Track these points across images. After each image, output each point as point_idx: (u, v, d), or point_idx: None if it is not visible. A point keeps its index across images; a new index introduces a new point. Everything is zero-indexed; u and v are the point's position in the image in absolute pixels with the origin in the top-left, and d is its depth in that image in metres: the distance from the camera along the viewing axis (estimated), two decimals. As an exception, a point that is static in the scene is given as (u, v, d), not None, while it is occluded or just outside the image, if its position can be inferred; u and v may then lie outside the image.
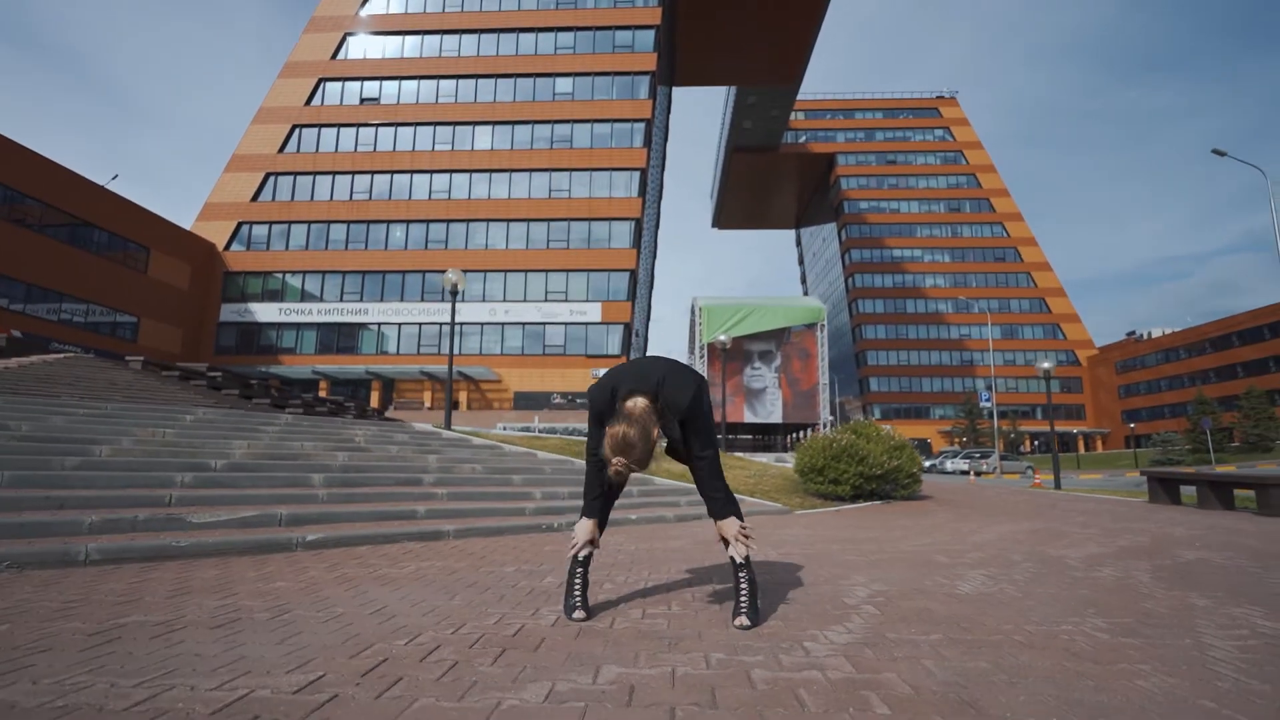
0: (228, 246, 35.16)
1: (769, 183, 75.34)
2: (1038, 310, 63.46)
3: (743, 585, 2.20)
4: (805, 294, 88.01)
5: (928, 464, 38.04)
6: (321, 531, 4.11)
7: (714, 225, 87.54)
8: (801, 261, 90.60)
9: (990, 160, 67.45)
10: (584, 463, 8.94)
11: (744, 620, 2.12)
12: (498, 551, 3.99)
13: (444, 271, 34.49)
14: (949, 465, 35.75)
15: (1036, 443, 59.74)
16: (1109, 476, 27.98)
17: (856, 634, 2.13)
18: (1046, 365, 12.79)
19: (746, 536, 2.26)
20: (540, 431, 26.17)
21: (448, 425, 9.82)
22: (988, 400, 31.65)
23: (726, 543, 2.26)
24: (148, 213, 29.98)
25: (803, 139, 71.58)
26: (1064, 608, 2.56)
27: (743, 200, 79.17)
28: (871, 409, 63.76)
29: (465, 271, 35.62)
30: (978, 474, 32.08)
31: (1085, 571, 3.48)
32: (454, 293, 10.23)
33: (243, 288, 35.18)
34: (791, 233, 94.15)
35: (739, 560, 2.23)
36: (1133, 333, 61.99)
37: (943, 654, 1.91)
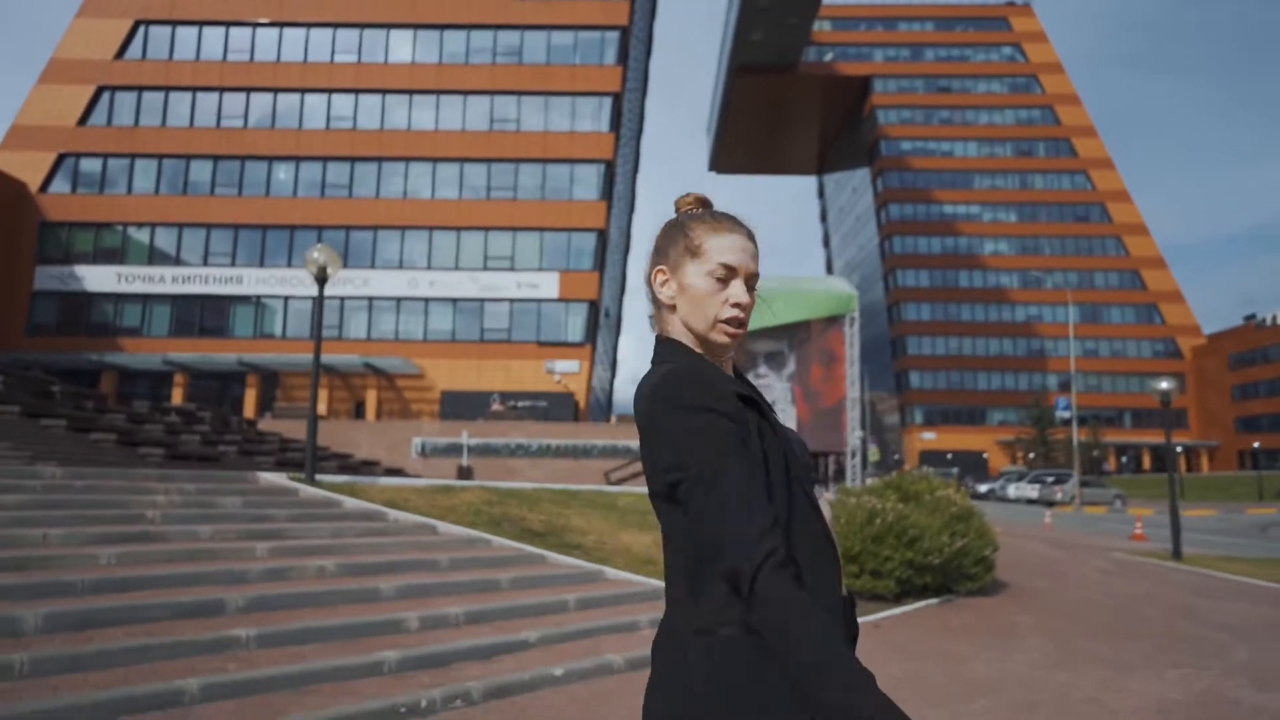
0: (44, 187, 33.17)
1: (784, 114, 74.23)
2: (1129, 286, 63.50)
3: None
4: (828, 261, 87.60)
5: (983, 489, 37.86)
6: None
7: (711, 169, 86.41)
8: (824, 218, 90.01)
9: (1073, 88, 67.04)
10: (500, 540, 7.86)
11: None
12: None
13: (345, 229, 33.12)
14: (1011, 491, 35.51)
15: (1124, 459, 60.01)
16: (1225, 515, 27.75)
17: None
18: (1165, 385, 11.89)
19: None
20: (469, 451, 25.00)
21: (309, 477, 8.64)
22: (1065, 408, 31.17)
23: None
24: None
25: (829, 56, 70.46)
26: None
27: (749, 137, 78.04)
28: (910, 412, 63.56)
29: (376, 229, 34.25)
30: (1050, 504, 31.73)
31: None
32: (321, 280, 9.00)
33: (67, 244, 33.29)
34: (812, 180, 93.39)
35: None
36: (1252, 316, 62.18)
37: None
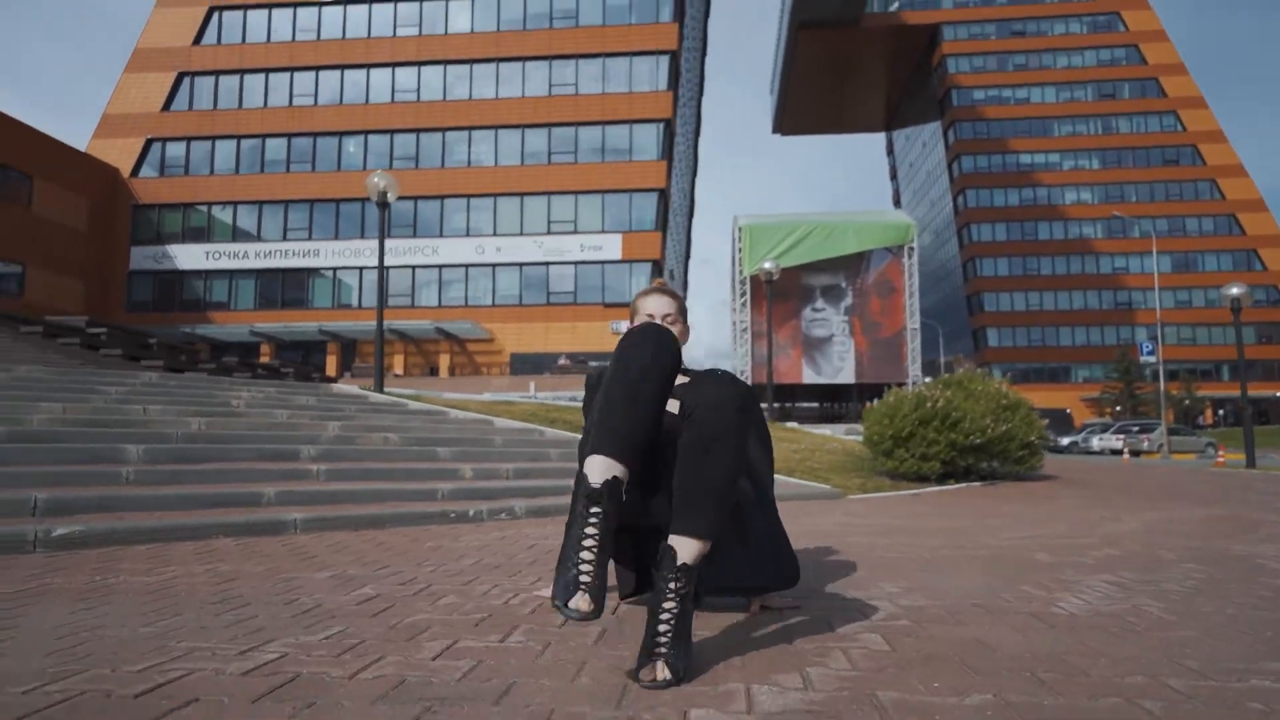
0: (135, 172, 35.27)
1: (849, 70, 72.39)
2: (1225, 232, 59.98)
3: (668, 611, 1.55)
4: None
5: (1065, 441, 36.73)
6: (83, 524, 3.53)
7: (775, 131, 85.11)
8: (894, 175, 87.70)
9: (1159, 23, 63.26)
10: (554, 431, 8.36)
11: (662, 671, 1.48)
12: (346, 551, 3.35)
13: (413, 200, 34.16)
14: (1095, 443, 34.28)
15: (1221, 413, 57.12)
16: (1322, 455, 26.33)
17: (822, 690, 1.40)
18: (1236, 291, 11.56)
19: None
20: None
21: (378, 387, 9.28)
22: (1150, 353, 29.97)
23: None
24: (27, 129, 30.09)
25: (894, 6, 68.23)
26: (1255, 641, 1.77)
27: (813, 95, 76.45)
28: (989, 371, 61.76)
29: (443, 198, 35.20)
30: (1135, 454, 30.64)
31: (1295, 578, 2.66)
32: (382, 205, 9.58)
33: (158, 226, 35.38)
34: (881, 137, 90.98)
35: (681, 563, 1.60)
36: (1361, 259, 58.08)
37: None
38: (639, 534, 2.03)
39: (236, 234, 35.65)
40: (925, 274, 77.96)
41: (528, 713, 1.30)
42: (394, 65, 36.17)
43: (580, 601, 1.44)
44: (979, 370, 9.82)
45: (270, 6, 36.36)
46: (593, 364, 31.97)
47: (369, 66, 36.26)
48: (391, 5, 36.51)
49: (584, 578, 1.46)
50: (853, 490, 6.97)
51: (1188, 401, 48.63)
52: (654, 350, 1.75)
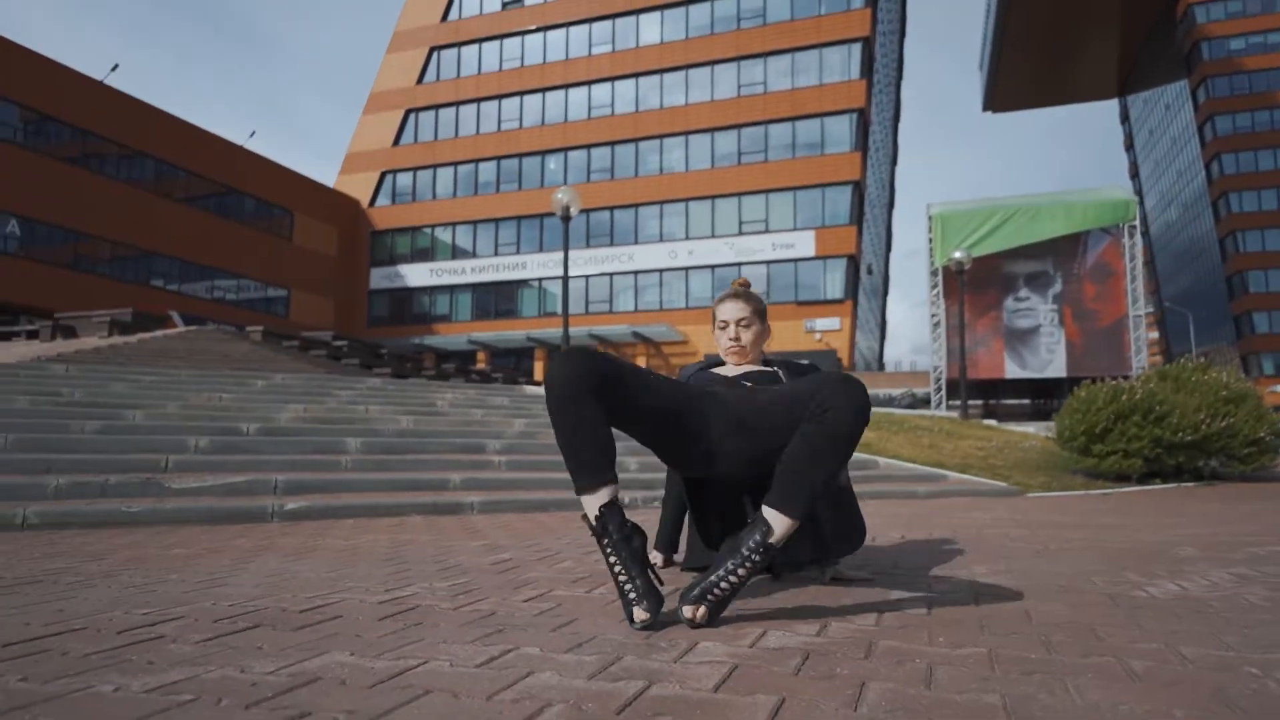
0: (373, 202, 39.87)
1: (1072, 33, 65.91)
2: None
3: (738, 577, 1.76)
4: (1138, 195, 76.58)
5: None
6: (309, 501, 4.32)
7: (986, 108, 79.37)
8: (1130, 146, 78.73)
9: None
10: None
11: (702, 615, 1.72)
12: (507, 529, 3.86)
13: (609, 210, 35.73)
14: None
15: None
16: None
17: (830, 638, 1.60)
18: None
19: None
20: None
21: (566, 388, 10.05)
22: None
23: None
24: (289, 172, 35.08)
25: (1125, -44, 61.32)
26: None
27: (1030, 64, 70.42)
28: (1257, 362, 53.68)
29: (637, 207, 36.52)
30: None
31: None
32: (566, 218, 10.36)
33: (391, 249, 39.75)
34: (1113, 105, 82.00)
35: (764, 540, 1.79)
36: None
37: (937, 679, 1.33)
38: (726, 500, 2.21)
39: (456, 252, 39.21)
40: (1172, 254, 69.29)
41: (574, 637, 1.62)
42: (590, 83, 38.10)
43: (639, 614, 1.71)
44: (1207, 361, 8.83)
45: (480, 41, 39.67)
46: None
47: (567, 87, 38.46)
48: (586, 26, 38.47)
49: (631, 594, 1.75)
50: (1034, 488, 6.63)
51: None
52: (562, 375, 1.87)
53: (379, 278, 39.63)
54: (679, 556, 2.64)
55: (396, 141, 40.01)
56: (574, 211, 10.38)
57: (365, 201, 39.77)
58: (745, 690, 1.26)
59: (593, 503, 1.87)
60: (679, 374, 2.49)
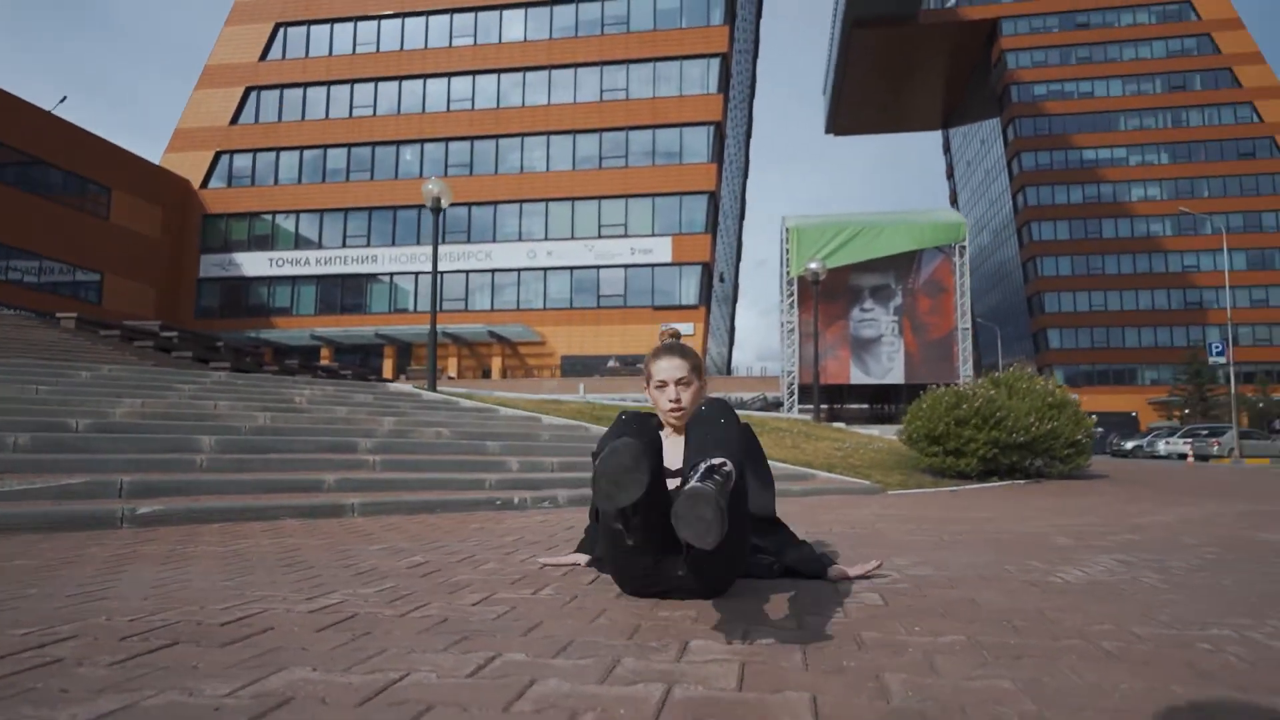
0: (205, 183, 36.83)
1: (904, 68, 71.25)
2: (1304, 227, 57.40)
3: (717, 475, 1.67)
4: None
5: (1129, 445, 35.65)
6: (165, 504, 3.88)
7: (829, 131, 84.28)
8: (951, 174, 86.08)
9: (1234, 10, 60.84)
10: (600, 428, 8.58)
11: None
12: (399, 530, 3.62)
13: (467, 206, 34.88)
14: (1161, 446, 33.19)
15: (1300, 416, 54.59)
16: None
17: (813, 631, 1.58)
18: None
19: None
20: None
21: (431, 386, 9.66)
22: (1219, 354, 28.91)
23: None
24: (106, 144, 31.70)
25: (951, 2, 67.09)
26: (1231, 605, 1.89)
27: (868, 95, 75.45)
28: (1051, 372, 60.14)
29: (496, 204, 35.87)
30: (1202, 458, 29.57)
31: (1309, 561, 2.72)
32: (436, 210, 9.97)
33: (225, 234, 36.87)
34: (938, 136, 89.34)
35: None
36: None
37: (940, 667, 1.33)
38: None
39: (299, 241, 36.92)
40: (984, 274, 76.24)
41: (550, 641, 1.51)
42: (450, 75, 37.04)
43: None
44: (1030, 371, 9.73)
45: (332, 21, 37.61)
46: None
47: (425, 76, 37.21)
48: (448, 16, 37.40)
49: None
50: (893, 486, 7.04)
51: (1262, 404, 46.60)
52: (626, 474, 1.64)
53: (210, 265, 36.63)
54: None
55: (235, 120, 37.17)
56: (445, 203, 10.01)
57: (197, 182, 36.65)
58: (770, 688, 1.22)
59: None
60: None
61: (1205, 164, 59.55)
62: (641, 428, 1.99)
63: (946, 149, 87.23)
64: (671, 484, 2.00)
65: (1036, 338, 61.80)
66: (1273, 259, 57.35)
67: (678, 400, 2.19)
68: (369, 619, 1.70)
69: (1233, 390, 28.62)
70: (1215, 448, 30.44)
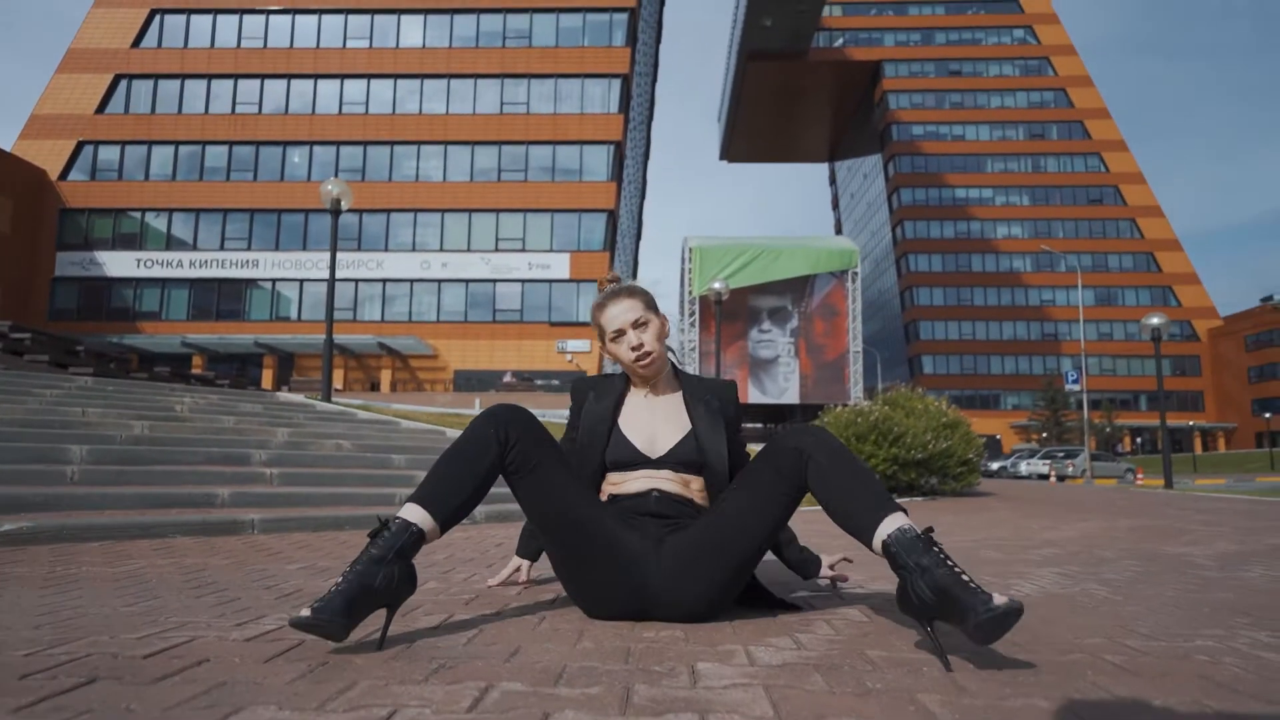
0: (64, 175, 33.95)
1: (795, 101, 74.33)
2: (1144, 268, 63.20)
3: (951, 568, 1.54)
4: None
5: (995, 466, 38.04)
6: (32, 520, 3.42)
7: (722, 157, 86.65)
8: (836, 205, 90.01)
9: (1085, 70, 66.74)
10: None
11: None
12: (311, 548, 3.32)
13: (358, 213, 33.64)
14: (1024, 467, 35.60)
15: (1139, 440, 59.79)
16: (1236, 480, 27.81)
17: (814, 650, 1.51)
18: (1156, 321, 12.24)
19: None
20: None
21: (326, 396, 9.12)
22: (1075, 382, 31.25)
23: None
24: (-48, 126, 28.77)
25: (839, 42, 70.51)
26: (1193, 615, 1.93)
27: (761, 125, 78.18)
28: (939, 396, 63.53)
29: (389, 212, 34.78)
30: (1060, 478, 31.85)
31: (1222, 571, 2.87)
32: (335, 212, 9.48)
33: (86, 231, 34.09)
34: (824, 168, 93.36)
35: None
36: (1269, 298, 61.64)
37: (967, 686, 1.26)
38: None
39: (171, 242, 34.58)
40: (865, 302, 79.86)
41: (540, 668, 1.35)
42: (342, 77, 35.77)
43: (305, 610, 1.46)
44: (920, 391, 10.14)
45: (215, 12, 35.64)
46: (540, 382, 31.87)
47: (316, 77, 35.78)
48: (342, 17, 36.16)
49: (337, 594, 1.51)
50: (805, 501, 7.13)
51: (1109, 429, 50.78)
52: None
53: (68, 263, 33.73)
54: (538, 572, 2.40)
55: (101, 109, 34.52)
56: (345, 205, 9.52)
57: (54, 173, 33.75)
58: (807, 714, 1.11)
59: (414, 513, 1.63)
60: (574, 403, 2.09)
61: (1060, 207, 64.77)
62: (605, 388, 2.00)
63: (833, 180, 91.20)
64: (659, 452, 1.90)
65: (912, 363, 65.19)
66: (1118, 296, 62.78)
67: (641, 345, 1.91)
68: (318, 646, 1.49)
69: (1085, 417, 30.97)
70: (1070, 468, 32.90)
